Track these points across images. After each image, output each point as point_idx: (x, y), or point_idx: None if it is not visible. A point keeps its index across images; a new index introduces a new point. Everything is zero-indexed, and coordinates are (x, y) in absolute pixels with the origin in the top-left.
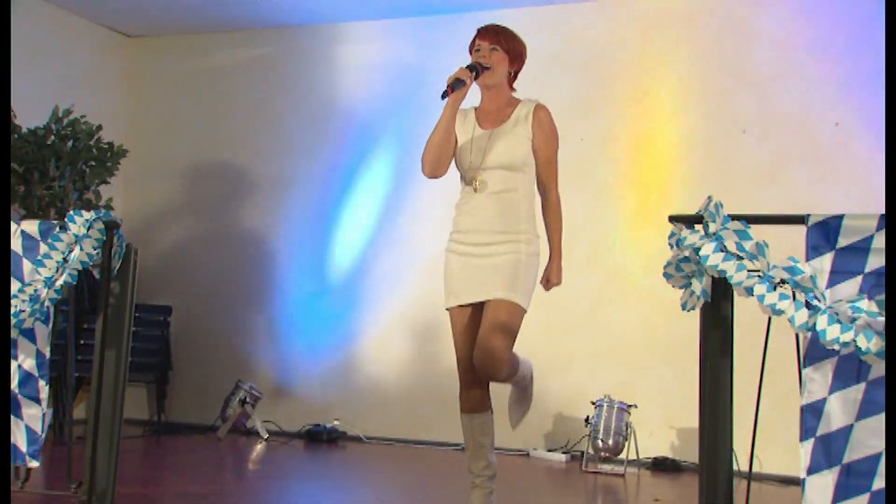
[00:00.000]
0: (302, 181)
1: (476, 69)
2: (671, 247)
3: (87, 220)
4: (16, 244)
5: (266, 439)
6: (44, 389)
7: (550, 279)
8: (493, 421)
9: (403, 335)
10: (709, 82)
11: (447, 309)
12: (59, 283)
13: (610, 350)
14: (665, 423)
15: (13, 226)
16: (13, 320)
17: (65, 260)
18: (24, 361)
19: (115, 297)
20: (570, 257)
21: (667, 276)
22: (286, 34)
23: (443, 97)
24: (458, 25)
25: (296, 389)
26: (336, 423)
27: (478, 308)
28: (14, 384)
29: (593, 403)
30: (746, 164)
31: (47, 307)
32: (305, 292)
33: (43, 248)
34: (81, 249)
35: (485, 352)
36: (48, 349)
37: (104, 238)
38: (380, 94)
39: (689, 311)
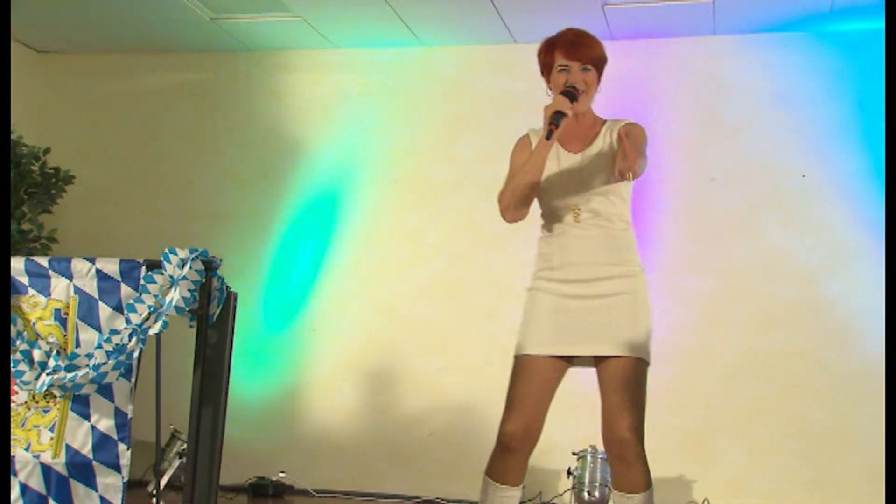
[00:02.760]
0: (241, 216)
1: (574, 96)
2: None
3: (182, 259)
4: (90, 286)
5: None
6: (124, 454)
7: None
8: (519, 498)
9: (353, 382)
10: (678, 131)
11: (522, 355)
12: (154, 331)
13: (577, 399)
14: None
15: (87, 264)
16: (93, 374)
17: (157, 305)
18: (98, 422)
19: (211, 348)
20: None
21: None
22: (223, 59)
23: (548, 137)
24: (416, 59)
25: (237, 440)
26: (282, 475)
27: (566, 360)
28: (87, 448)
29: (575, 454)
30: (716, 213)
31: (134, 359)
32: (246, 334)
33: (125, 289)
34: (177, 292)
35: (621, 444)
36: (130, 407)
37: (202, 280)
38: (328, 127)
39: None
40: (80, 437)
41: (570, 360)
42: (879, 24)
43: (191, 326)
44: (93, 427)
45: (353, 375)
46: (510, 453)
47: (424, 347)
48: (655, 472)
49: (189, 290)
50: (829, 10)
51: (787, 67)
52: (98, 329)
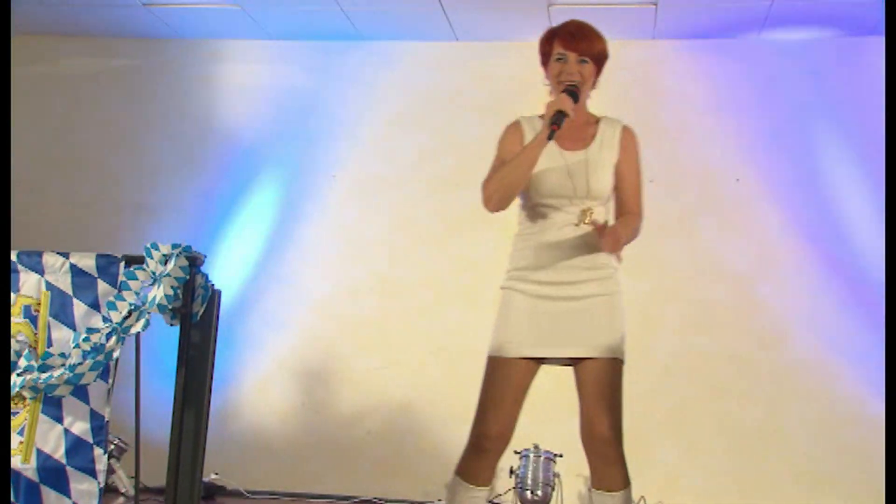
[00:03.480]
0: (170, 209)
1: (577, 95)
2: None
3: (164, 255)
4: (63, 281)
5: (132, 497)
6: (101, 459)
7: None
8: (487, 497)
9: (288, 380)
10: None
11: (497, 357)
12: (135, 330)
13: None
14: (572, 473)
15: (59, 259)
16: (68, 374)
17: (138, 302)
18: (72, 425)
19: (195, 348)
20: (477, 301)
21: None
22: (153, 46)
23: (549, 138)
24: (355, 54)
25: (165, 439)
26: (214, 476)
27: (538, 361)
28: (60, 453)
29: (517, 453)
30: (652, 214)
31: (113, 360)
32: (174, 330)
33: (103, 286)
34: (161, 289)
35: (603, 444)
36: (108, 409)
37: (186, 277)
38: (264, 120)
39: None
40: (52, 441)
41: (542, 360)
42: (812, 33)
43: (171, 325)
44: (66, 430)
45: (287, 373)
46: (484, 454)
47: (361, 345)
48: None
49: (172, 288)
50: (764, 19)
51: (724, 73)
52: (72, 327)
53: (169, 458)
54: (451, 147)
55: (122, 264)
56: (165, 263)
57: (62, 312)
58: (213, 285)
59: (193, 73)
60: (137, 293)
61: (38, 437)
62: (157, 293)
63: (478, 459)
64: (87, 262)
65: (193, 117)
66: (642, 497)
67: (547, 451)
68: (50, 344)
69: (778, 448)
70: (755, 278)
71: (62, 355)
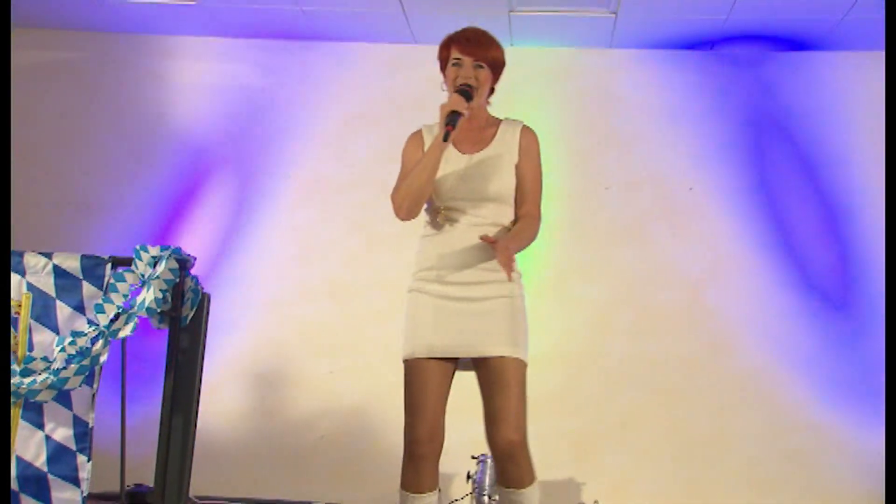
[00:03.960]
0: (117, 207)
1: (470, 95)
2: None
3: (153, 257)
4: (46, 283)
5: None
6: (84, 467)
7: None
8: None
9: (240, 384)
10: (572, 139)
11: (412, 360)
12: (123, 333)
13: (469, 402)
14: None
15: (41, 259)
16: (52, 379)
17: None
18: (54, 431)
19: (183, 353)
20: None
21: None
22: (101, 40)
23: (445, 139)
24: (312, 53)
25: (113, 444)
26: None
27: (452, 362)
28: (41, 460)
29: (475, 458)
30: (608, 221)
31: (99, 364)
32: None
33: (88, 288)
34: (150, 292)
35: (511, 445)
36: (92, 415)
37: (176, 279)
38: (218, 119)
39: None
40: (33, 449)
41: (456, 362)
42: (764, 46)
43: (158, 328)
44: (47, 437)
45: (238, 377)
46: (421, 460)
47: (314, 349)
48: (546, 475)
49: (161, 291)
50: (720, 32)
51: (679, 84)
52: (55, 330)
53: (157, 464)
54: None
55: (109, 266)
56: (154, 266)
57: (45, 315)
58: (202, 288)
59: (145, 68)
60: (125, 296)
61: (17, 444)
62: (147, 296)
63: (416, 467)
64: (72, 264)
65: (144, 114)
66: (596, 501)
67: None
68: (31, 348)
69: (727, 453)
70: (706, 285)
71: (45, 359)
